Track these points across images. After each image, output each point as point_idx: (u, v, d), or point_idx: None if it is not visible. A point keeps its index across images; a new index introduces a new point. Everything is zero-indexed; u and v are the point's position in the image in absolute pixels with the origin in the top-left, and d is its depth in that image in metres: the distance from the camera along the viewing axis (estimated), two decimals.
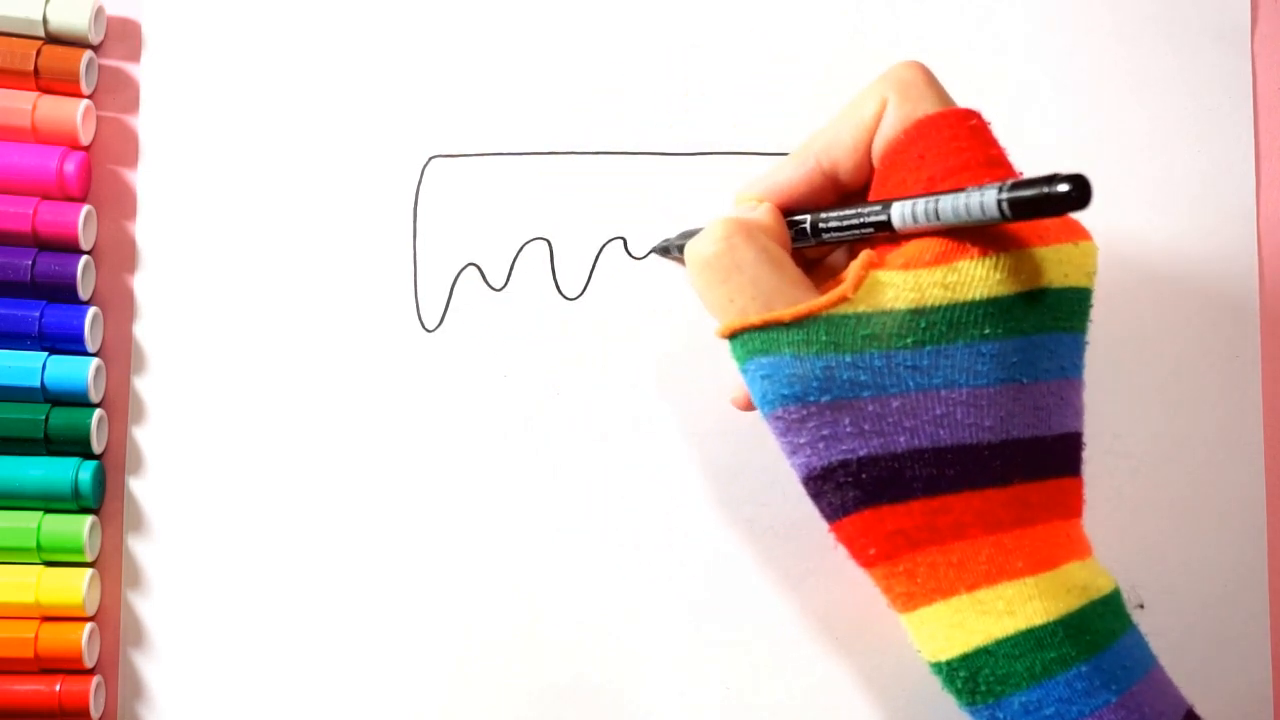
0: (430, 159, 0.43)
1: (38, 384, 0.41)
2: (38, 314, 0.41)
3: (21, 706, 0.41)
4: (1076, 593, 0.31)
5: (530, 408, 0.42)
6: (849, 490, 0.32)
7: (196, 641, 0.42)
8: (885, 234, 0.33)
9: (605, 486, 0.42)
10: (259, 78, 0.43)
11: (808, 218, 0.35)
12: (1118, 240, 0.43)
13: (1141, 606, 0.42)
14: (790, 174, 0.36)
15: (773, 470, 0.42)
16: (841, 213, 0.34)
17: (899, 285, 0.32)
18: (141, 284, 0.43)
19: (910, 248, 0.32)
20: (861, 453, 0.32)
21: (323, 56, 0.43)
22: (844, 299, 0.32)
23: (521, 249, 0.43)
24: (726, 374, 0.42)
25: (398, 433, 0.42)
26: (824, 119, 0.43)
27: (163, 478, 0.42)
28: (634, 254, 0.43)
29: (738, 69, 0.43)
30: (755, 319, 0.32)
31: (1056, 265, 0.32)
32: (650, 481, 0.42)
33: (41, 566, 0.41)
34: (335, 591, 0.42)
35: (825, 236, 0.35)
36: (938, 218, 0.31)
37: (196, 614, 0.42)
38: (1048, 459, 0.32)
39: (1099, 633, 0.31)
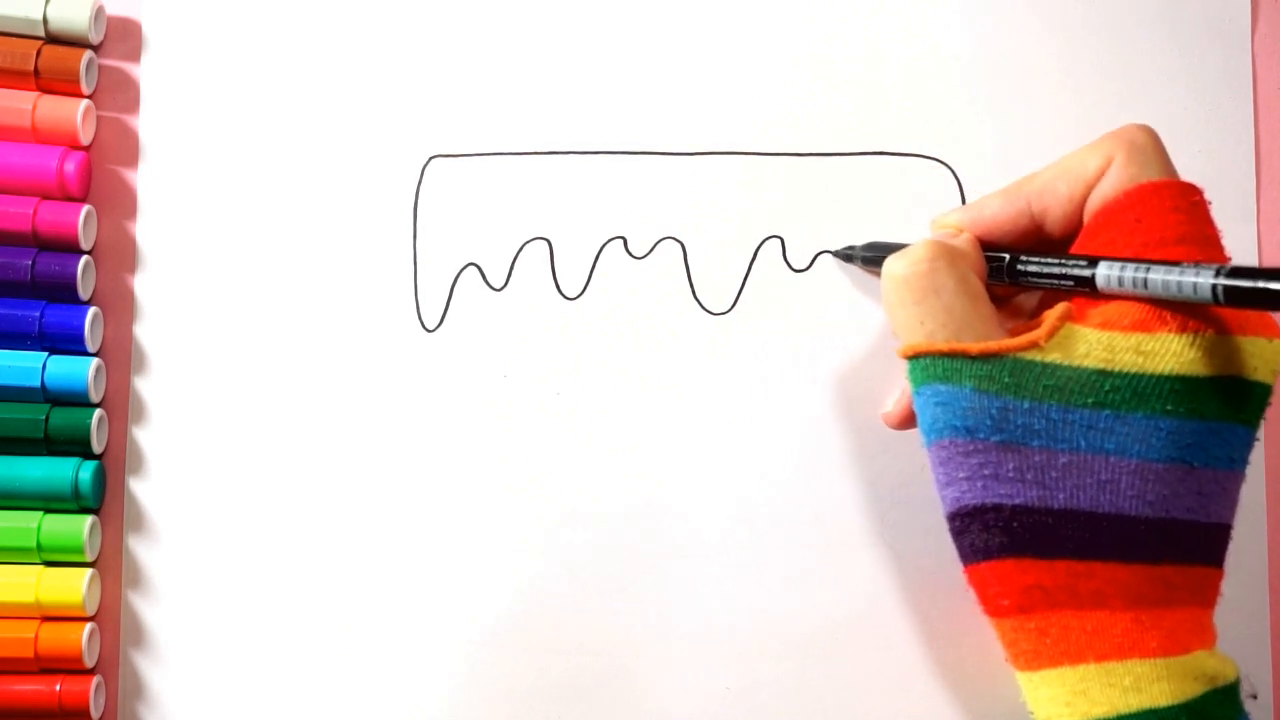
0: (430, 159, 0.43)
1: (38, 384, 0.41)
2: (38, 314, 0.41)
3: (21, 706, 0.41)
4: (1204, 680, 0.31)
5: (530, 408, 0.42)
6: (995, 535, 0.32)
7: (197, 641, 0.42)
8: (1083, 290, 0.33)
9: (605, 486, 0.42)
10: (259, 78, 0.43)
11: (1006, 256, 0.35)
12: None
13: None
14: (997, 209, 0.36)
15: (774, 470, 0.42)
16: (1045, 259, 0.34)
17: (1091, 343, 0.32)
18: (141, 284, 0.43)
19: (1110, 308, 0.32)
20: (1018, 500, 0.32)
21: (323, 56, 0.43)
22: (1035, 344, 0.32)
23: (521, 249, 0.43)
24: (728, 374, 0.42)
25: (398, 433, 0.42)
26: (824, 119, 0.43)
27: (163, 478, 0.42)
28: (633, 254, 0.43)
29: (738, 69, 0.43)
30: (942, 345, 0.33)
31: (1249, 357, 0.32)
32: (650, 481, 0.42)
33: (41, 566, 0.41)
34: (335, 591, 0.42)
35: (1021, 279, 0.35)
36: (1145, 287, 0.31)
37: (197, 614, 0.42)
38: (1199, 546, 0.32)
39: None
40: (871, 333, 0.42)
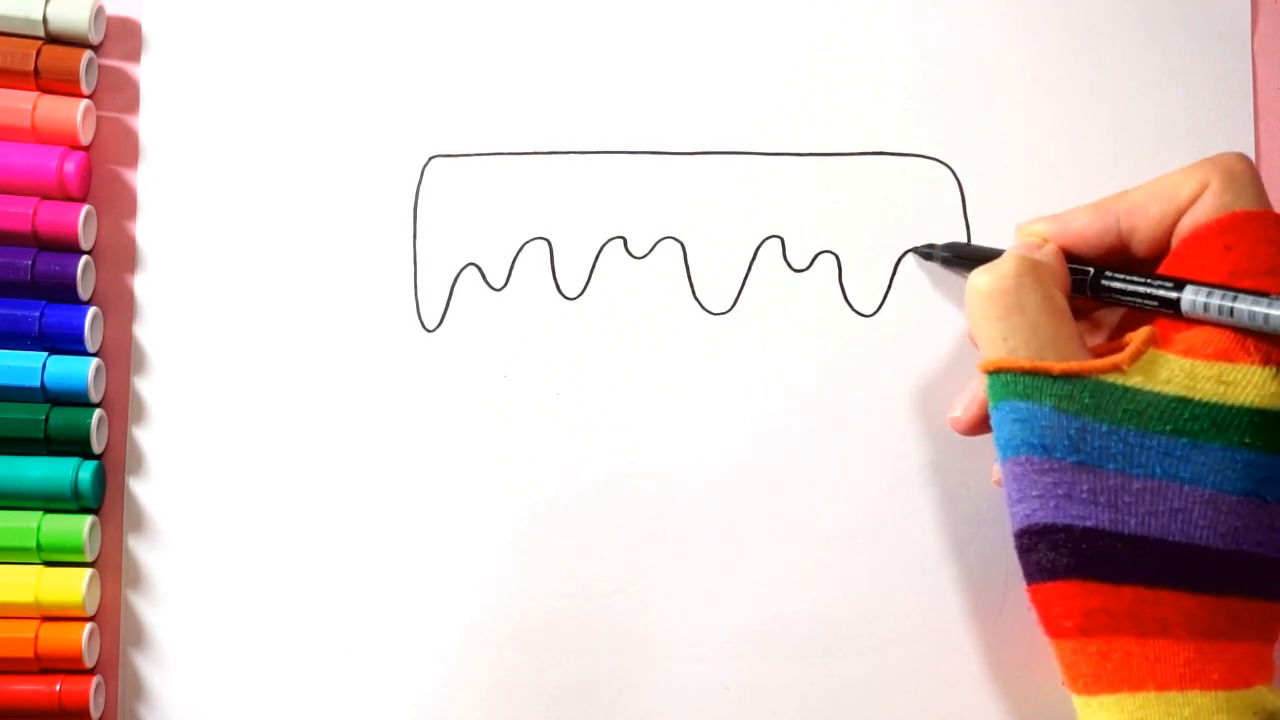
0: (430, 159, 0.43)
1: (38, 384, 0.41)
2: (38, 314, 0.41)
3: (21, 706, 0.41)
4: (1262, 716, 0.31)
5: (530, 408, 0.42)
6: (1063, 556, 0.32)
7: (197, 641, 0.42)
8: (1167, 312, 0.33)
9: (604, 486, 0.42)
10: (259, 78, 0.43)
11: (1091, 270, 0.35)
12: None
13: None
14: (1085, 223, 0.36)
15: (773, 471, 0.42)
16: (1130, 276, 0.34)
17: (1173, 369, 0.32)
18: (141, 284, 0.43)
19: (1194, 335, 0.32)
20: (1089, 522, 0.32)
21: (323, 56, 0.43)
22: (1117, 368, 0.32)
23: (521, 249, 0.43)
24: (728, 374, 0.42)
25: (398, 433, 0.42)
26: (824, 119, 0.43)
27: (163, 478, 0.42)
28: (633, 254, 0.43)
29: (738, 69, 0.43)
30: (1024, 363, 0.33)
31: None
32: (649, 481, 0.42)
33: (41, 566, 0.41)
34: (335, 591, 0.42)
35: (1104, 295, 0.35)
36: (1230, 316, 0.31)
37: (197, 614, 0.42)
38: (1266, 580, 0.32)
39: None
40: (872, 333, 0.42)
